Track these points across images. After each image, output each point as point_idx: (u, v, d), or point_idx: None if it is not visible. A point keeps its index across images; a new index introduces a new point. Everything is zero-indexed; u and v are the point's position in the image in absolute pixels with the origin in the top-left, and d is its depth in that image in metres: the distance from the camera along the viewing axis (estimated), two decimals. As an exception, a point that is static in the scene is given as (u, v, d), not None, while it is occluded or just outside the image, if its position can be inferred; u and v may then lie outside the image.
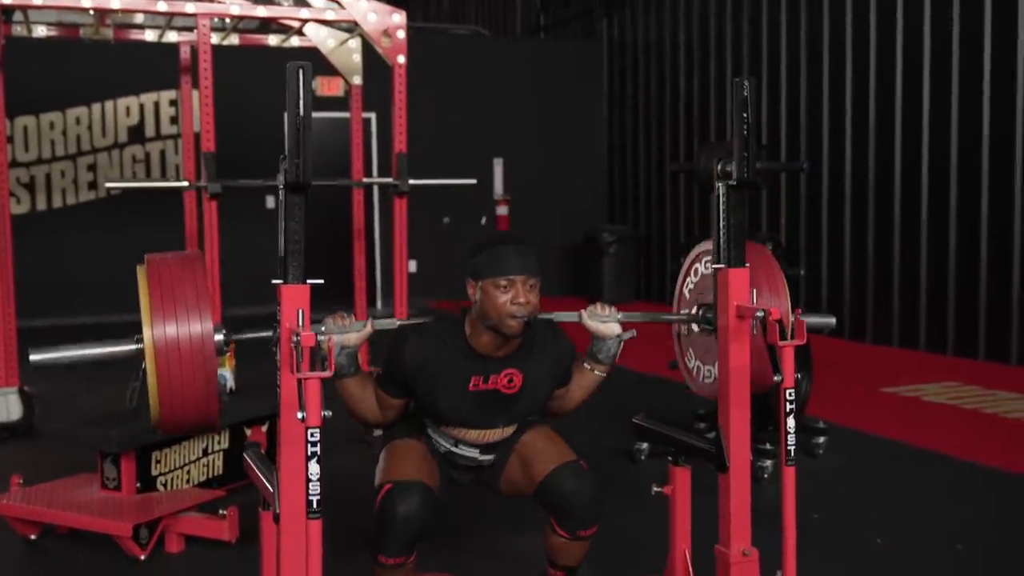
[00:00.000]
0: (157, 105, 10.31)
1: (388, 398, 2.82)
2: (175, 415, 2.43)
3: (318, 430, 2.25)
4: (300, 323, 2.36)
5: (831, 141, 8.75)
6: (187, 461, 4.16)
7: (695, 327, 3.03)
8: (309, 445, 2.25)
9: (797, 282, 8.97)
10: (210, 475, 4.27)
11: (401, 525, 2.67)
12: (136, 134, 10.27)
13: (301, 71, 2.36)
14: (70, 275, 9.89)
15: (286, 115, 2.39)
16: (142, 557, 3.63)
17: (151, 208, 9.04)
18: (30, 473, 4.27)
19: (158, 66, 8.95)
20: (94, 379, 7.00)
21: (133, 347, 2.42)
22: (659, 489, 3.13)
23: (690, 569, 3.06)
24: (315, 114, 9.10)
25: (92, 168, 10.16)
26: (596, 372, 2.95)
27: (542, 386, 2.85)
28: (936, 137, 7.78)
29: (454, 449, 2.90)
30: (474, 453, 2.91)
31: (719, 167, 2.81)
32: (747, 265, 2.84)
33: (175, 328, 2.36)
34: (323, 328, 2.63)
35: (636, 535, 3.78)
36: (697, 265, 3.07)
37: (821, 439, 4.93)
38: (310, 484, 2.26)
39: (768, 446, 4.64)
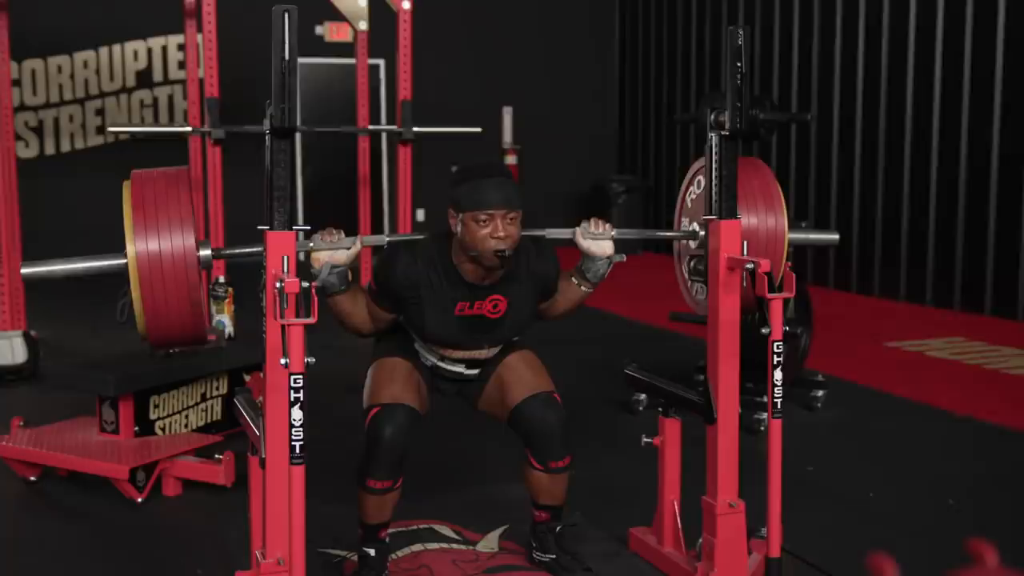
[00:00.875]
0: (165, 49, 10.26)
1: (380, 311, 2.84)
2: (161, 328, 2.45)
3: (301, 376, 2.26)
4: (285, 269, 2.36)
5: (842, 91, 8.66)
6: (185, 406, 4.19)
7: (691, 243, 3.01)
8: (292, 391, 2.26)
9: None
10: (208, 420, 4.30)
11: (387, 446, 2.76)
12: (144, 78, 10.23)
13: (286, 14, 2.34)
14: (77, 220, 9.89)
15: (272, 59, 2.37)
16: (139, 500, 3.67)
17: (159, 153, 8.92)
18: (32, 416, 4.30)
19: (166, 9, 8.89)
20: (101, 323, 7.08)
21: (119, 262, 2.42)
22: (648, 440, 3.15)
23: (678, 520, 3.09)
24: (323, 60, 9.16)
25: (100, 112, 10.14)
26: (583, 288, 2.95)
27: (526, 308, 2.87)
28: (948, 90, 7.69)
29: (440, 363, 2.95)
30: (460, 368, 2.96)
31: (712, 117, 2.79)
32: (739, 217, 2.82)
33: (157, 242, 2.38)
34: (311, 244, 2.64)
35: (628, 485, 3.80)
36: (699, 178, 3.02)
37: (820, 392, 4.93)
38: (293, 430, 2.27)
39: (766, 399, 4.64)
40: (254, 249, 2.48)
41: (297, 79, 2.36)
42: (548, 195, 11.51)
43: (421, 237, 2.84)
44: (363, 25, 7.17)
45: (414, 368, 2.94)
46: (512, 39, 11.46)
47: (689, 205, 3.07)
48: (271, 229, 2.42)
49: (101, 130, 10.14)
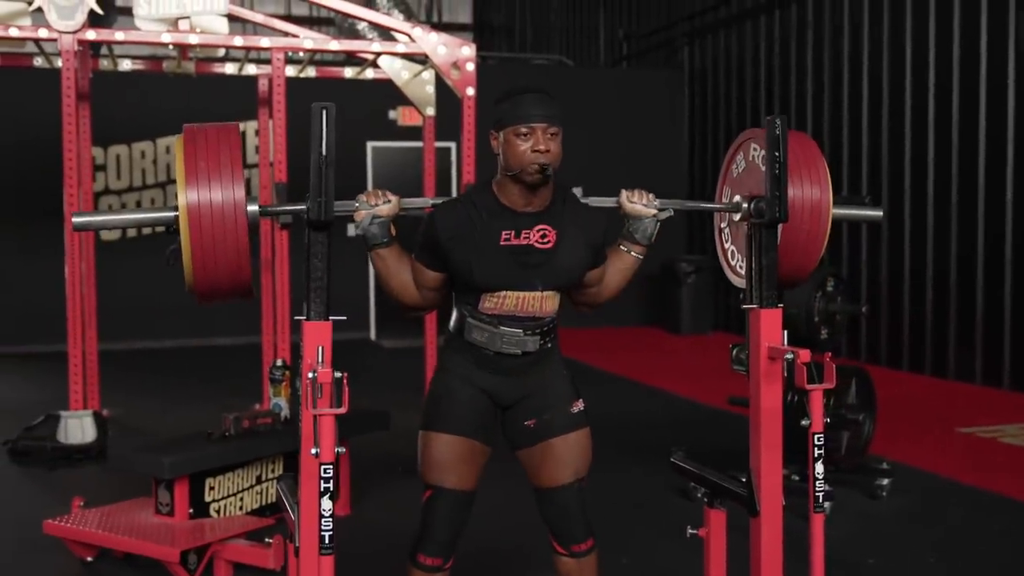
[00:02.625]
0: (244, 135, 10.57)
1: (424, 270, 2.76)
2: (207, 278, 2.44)
3: (331, 466, 2.28)
4: (320, 360, 2.39)
5: (912, 168, 8.55)
6: (240, 488, 4.23)
7: (735, 216, 2.95)
8: (322, 481, 2.28)
9: (858, 319, 8.76)
10: (263, 503, 4.34)
11: (440, 527, 2.75)
12: (223, 163, 10.52)
13: (325, 112, 2.41)
14: (157, 300, 10.15)
15: (311, 153, 2.43)
16: (191, 582, 3.70)
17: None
18: (96, 496, 4.40)
19: (245, 96, 9.19)
20: (169, 401, 7.23)
21: (171, 214, 2.44)
22: (694, 531, 3.09)
23: (724, 614, 3.01)
24: (397, 144, 9.34)
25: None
26: (633, 253, 2.89)
27: (576, 248, 2.76)
28: (1020, 167, 7.55)
29: (496, 331, 2.77)
30: (518, 332, 2.77)
31: (751, 206, 2.78)
32: (780, 306, 2.79)
33: (208, 193, 2.39)
34: (356, 204, 2.66)
35: (680, 574, 3.72)
36: (742, 153, 2.99)
37: (885, 480, 4.80)
38: (322, 520, 2.29)
39: (827, 487, 4.54)
40: (299, 207, 2.51)
41: (333, 173, 2.42)
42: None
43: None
44: (430, 111, 7.32)
45: (464, 437, 2.80)
46: (583, 120, 11.58)
47: (734, 176, 3.04)
48: (308, 319, 2.46)
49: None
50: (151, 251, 10.51)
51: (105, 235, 10.12)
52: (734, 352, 2.95)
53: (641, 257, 2.91)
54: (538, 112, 2.67)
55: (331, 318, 2.47)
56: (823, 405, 2.69)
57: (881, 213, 3.16)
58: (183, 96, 10.12)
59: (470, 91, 6.54)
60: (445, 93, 7.20)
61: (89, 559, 3.94)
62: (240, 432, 4.24)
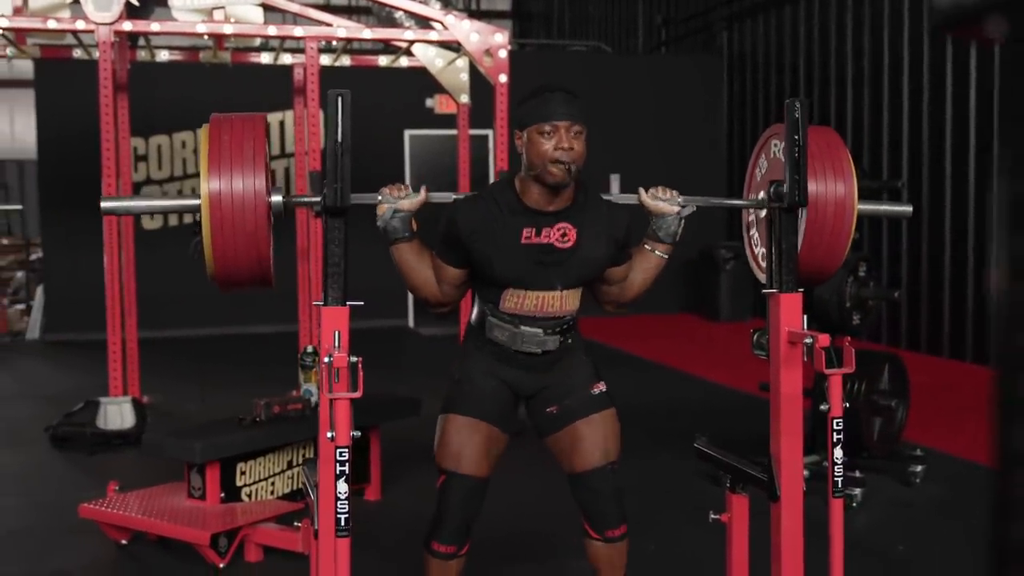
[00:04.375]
0: (282, 124, 10.65)
1: (445, 266, 2.77)
2: (227, 267, 2.48)
3: (347, 449, 2.31)
4: (336, 344, 2.42)
5: (953, 152, 8.43)
6: (271, 473, 4.28)
7: (762, 212, 2.93)
8: (338, 464, 2.31)
9: (897, 305, 8.68)
10: (294, 487, 4.39)
11: (454, 514, 2.76)
12: (262, 152, 10.62)
13: (340, 98, 2.43)
14: (196, 288, 10.26)
15: (326, 140, 2.45)
16: (221, 565, 3.76)
17: (274, 225, 9.35)
18: (132, 480, 4.47)
19: (283, 86, 9.26)
20: (208, 386, 7.33)
21: (195, 201, 2.48)
22: (716, 516, 3.08)
23: (746, 599, 3.01)
24: (434, 132, 9.39)
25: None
26: (657, 252, 2.87)
27: (598, 247, 2.76)
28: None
29: (516, 331, 2.79)
30: (538, 332, 2.79)
31: (771, 190, 2.76)
32: (800, 291, 2.77)
33: (229, 182, 2.43)
34: (379, 197, 2.67)
35: (705, 559, 3.72)
36: (765, 151, 2.97)
37: (919, 468, 4.75)
38: (338, 503, 2.31)
39: (858, 473, 4.51)
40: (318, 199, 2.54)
41: (349, 159, 2.44)
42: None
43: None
44: (465, 98, 7.33)
45: (483, 422, 2.83)
46: (620, 107, 11.54)
47: (758, 181, 3.02)
48: (325, 304, 2.48)
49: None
50: (191, 239, 10.66)
51: (147, 223, 10.27)
52: (755, 337, 2.94)
53: (666, 256, 2.90)
54: (562, 110, 2.66)
55: (348, 303, 2.49)
56: (847, 391, 2.68)
57: (910, 208, 3.11)
58: (221, 86, 10.21)
59: (503, 78, 6.55)
60: (481, 81, 7.21)
61: (123, 542, 4.02)
62: (271, 418, 4.29)
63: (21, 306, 11.02)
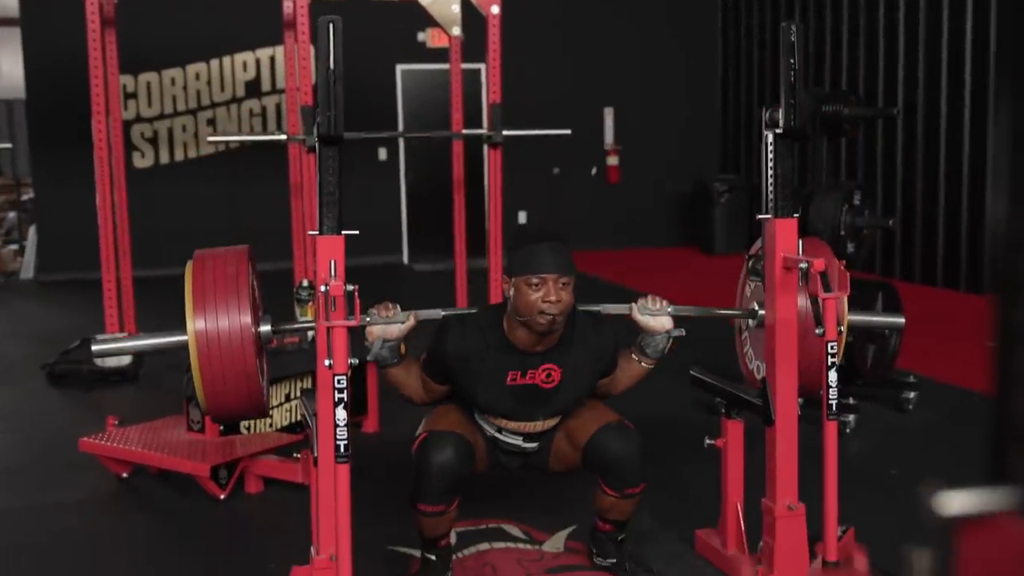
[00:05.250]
0: (273, 60, 10.53)
1: (432, 383, 2.88)
2: (219, 403, 2.55)
3: (344, 377, 2.32)
4: (332, 273, 2.42)
5: (949, 82, 8.38)
6: (270, 406, 4.30)
7: (751, 322, 2.97)
8: (336, 391, 2.33)
9: (892, 235, 8.69)
10: (293, 420, 4.42)
11: (436, 473, 2.74)
12: (252, 88, 10.52)
13: (331, 25, 2.40)
14: (191, 225, 10.25)
15: (318, 69, 2.43)
16: (221, 496, 3.79)
17: (265, 159, 9.31)
18: (131, 415, 4.50)
19: (272, 21, 9.15)
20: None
21: (181, 339, 2.53)
22: (711, 442, 3.12)
23: (741, 523, 3.05)
24: (427, 66, 9.26)
25: (212, 122, 10.47)
26: (643, 364, 2.95)
27: (582, 380, 2.84)
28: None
29: (498, 435, 2.93)
30: (518, 441, 2.92)
31: (767, 115, 2.75)
32: (795, 215, 2.78)
33: (215, 322, 2.49)
34: (367, 319, 2.70)
35: (703, 486, 3.75)
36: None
37: (911, 394, 4.80)
38: (337, 429, 2.33)
39: (852, 400, 4.55)
40: (309, 324, 2.71)
41: (342, 87, 2.42)
42: (651, 195, 11.45)
43: (475, 311, 2.88)
44: (456, 31, 7.24)
45: (473, 423, 2.92)
46: (612, 39, 11.42)
47: (748, 295, 3.06)
48: (321, 234, 2.48)
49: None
50: (184, 177, 10.63)
51: (138, 163, 10.21)
52: (750, 263, 2.96)
53: (651, 367, 2.96)
54: (549, 262, 2.68)
55: (344, 232, 2.50)
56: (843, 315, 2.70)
57: (903, 320, 3.13)
58: (211, 21, 10.10)
59: (495, 9, 6.48)
60: (472, 13, 7.13)
61: (124, 475, 4.05)
62: (269, 351, 4.30)
63: (14, 246, 10.99)
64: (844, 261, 2.78)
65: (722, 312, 3.19)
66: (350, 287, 2.34)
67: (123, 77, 9.11)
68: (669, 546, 3.31)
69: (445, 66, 10.03)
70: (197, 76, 10.40)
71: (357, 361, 2.37)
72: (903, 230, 8.77)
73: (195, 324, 2.47)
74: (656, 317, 2.84)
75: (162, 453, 3.86)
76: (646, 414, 4.78)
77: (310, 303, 4.55)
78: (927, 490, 0.86)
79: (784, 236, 2.75)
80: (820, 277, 2.57)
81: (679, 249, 11.28)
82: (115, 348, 2.69)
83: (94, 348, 2.67)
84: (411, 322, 2.73)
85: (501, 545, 3.32)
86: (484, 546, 3.30)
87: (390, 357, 2.79)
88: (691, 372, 3.29)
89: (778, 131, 2.72)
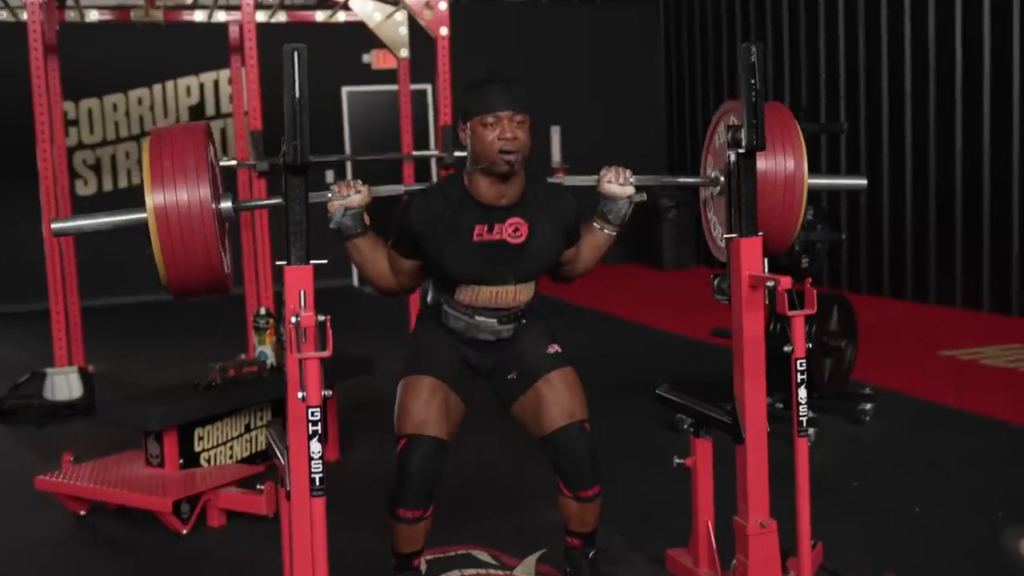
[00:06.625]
0: (216, 84, 10.45)
1: (400, 258, 2.81)
2: (180, 276, 2.51)
3: (318, 409, 2.29)
4: (302, 304, 2.39)
5: (890, 93, 8.54)
6: (230, 437, 4.25)
7: (715, 190, 2.98)
8: (310, 424, 2.30)
9: (841, 248, 8.84)
10: (253, 451, 4.36)
11: (416, 478, 2.76)
12: (197, 113, 10.43)
13: (296, 53, 2.38)
14: (137, 253, 10.08)
15: (284, 97, 2.41)
16: (184, 532, 3.73)
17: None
18: (85, 450, 4.41)
19: (215, 45, 9.07)
20: (155, 354, 7.23)
21: (140, 215, 2.48)
22: (680, 461, 3.13)
23: (712, 541, 3.06)
24: (372, 88, 9.24)
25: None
26: (606, 231, 2.94)
27: (549, 239, 2.80)
28: (998, 93, 7.55)
29: (471, 321, 2.84)
30: (492, 322, 2.85)
31: (729, 134, 2.78)
32: (760, 234, 2.80)
33: (174, 194, 2.44)
34: (328, 195, 2.69)
35: (669, 505, 3.76)
36: (722, 124, 2.99)
37: (868, 405, 4.86)
38: (312, 463, 2.30)
39: (811, 413, 4.58)
40: (276, 201, 2.55)
41: (307, 116, 2.40)
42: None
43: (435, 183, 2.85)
44: (404, 53, 7.24)
45: (443, 384, 2.86)
46: (559, 58, 11.49)
47: (711, 160, 3.05)
48: (289, 264, 2.46)
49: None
50: (128, 204, 10.45)
51: (81, 190, 10.06)
52: (715, 282, 2.97)
53: (614, 235, 2.97)
54: (503, 100, 2.67)
55: (312, 262, 2.47)
56: (805, 332, 2.72)
57: (864, 182, 3.17)
58: (153, 46, 9.97)
59: (444, 31, 6.47)
60: (418, 34, 7.12)
61: (82, 513, 3.96)
62: (227, 381, 4.25)
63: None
64: (809, 279, 2.80)
65: (686, 180, 3.26)
66: (321, 317, 2.31)
67: (64, 103, 8.97)
68: (640, 567, 3.31)
69: (390, 87, 10.05)
70: (139, 101, 10.28)
71: (331, 393, 2.33)
72: (850, 242, 8.91)
73: (154, 198, 2.42)
74: (622, 186, 2.86)
75: (122, 489, 3.78)
76: (608, 436, 4.80)
77: (268, 331, 4.50)
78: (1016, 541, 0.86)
79: (750, 255, 2.77)
80: (787, 295, 2.59)
81: (628, 265, 11.34)
82: (77, 226, 2.61)
83: (54, 227, 2.58)
84: (367, 192, 2.71)
85: (472, 572, 3.29)
86: (455, 573, 3.27)
87: (353, 225, 2.74)
88: (657, 392, 3.29)
89: (741, 151, 2.74)
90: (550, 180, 2.88)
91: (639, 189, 2.90)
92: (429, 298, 2.93)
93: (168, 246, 2.45)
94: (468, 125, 2.69)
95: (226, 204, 2.56)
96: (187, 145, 2.49)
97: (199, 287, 2.57)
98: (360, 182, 2.73)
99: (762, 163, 2.79)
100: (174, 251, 2.45)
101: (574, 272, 3.01)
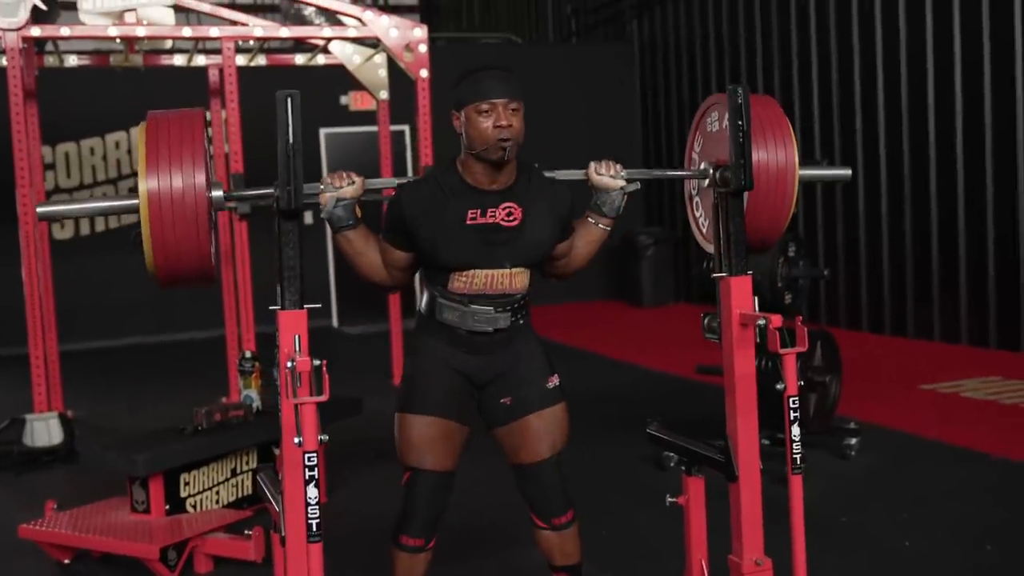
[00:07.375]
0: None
1: (392, 249, 2.77)
2: (168, 264, 2.46)
3: (315, 454, 2.28)
4: (297, 349, 2.39)
5: (864, 136, 8.65)
6: (216, 482, 4.21)
7: (704, 183, 2.98)
8: (307, 469, 2.28)
9: (820, 283, 8.88)
10: (239, 495, 4.32)
11: (423, 507, 2.78)
12: (175, 156, 10.39)
13: (289, 99, 2.39)
14: (115, 297, 10.04)
15: (277, 142, 2.41)
16: (171, 579, 3.69)
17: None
18: (67, 497, 4.36)
19: (194, 88, 9.09)
20: (136, 400, 7.17)
21: (131, 202, 2.44)
22: (673, 500, 3.12)
23: (707, 579, 3.05)
24: (350, 129, 9.31)
25: (134, 191, 10.27)
26: (600, 226, 2.93)
27: (543, 224, 2.79)
28: (970, 131, 7.66)
29: (467, 310, 2.79)
30: (488, 309, 2.79)
31: (717, 175, 2.80)
32: (750, 273, 2.82)
33: (168, 179, 2.39)
34: (320, 186, 2.66)
35: (660, 543, 3.77)
36: (707, 119, 3.01)
37: (853, 440, 4.88)
38: (309, 508, 2.29)
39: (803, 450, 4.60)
40: (267, 191, 2.52)
41: (301, 160, 2.41)
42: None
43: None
44: (384, 95, 7.30)
45: (439, 418, 2.82)
46: (535, 97, 11.52)
47: (696, 154, 3.07)
48: (283, 309, 2.45)
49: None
50: (107, 248, 10.41)
51: (58, 234, 10.00)
52: (706, 321, 2.98)
53: (608, 229, 2.96)
54: (498, 88, 2.69)
55: (306, 307, 2.47)
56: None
57: (849, 172, 3.19)
58: (132, 91, 9.96)
59: (424, 73, 6.53)
60: (395, 76, 7.17)
61: (66, 561, 3.91)
62: (212, 426, 4.22)
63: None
64: (800, 316, 2.83)
65: (674, 173, 3.19)
66: (317, 362, 2.30)
67: (41, 148, 8.93)
68: (634, 606, 3.29)
69: (368, 128, 10.07)
70: (117, 145, 10.26)
71: (327, 437, 2.32)
72: (830, 277, 8.97)
73: (148, 182, 2.37)
74: (613, 178, 2.86)
75: (107, 536, 3.74)
76: (594, 473, 4.80)
77: (254, 374, 4.48)
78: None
79: (740, 293, 2.79)
80: (778, 333, 2.61)
81: (607, 303, 11.38)
82: (63, 211, 2.56)
83: (40, 211, 2.51)
84: (360, 183, 2.68)
85: (465, 614, 3.27)
86: (448, 616, 3.25)
87: (345, 216, 2.70)
88: (648, 431, 3.29)
89: (729, 190, 2.77)
90: (544, 174, 2.87)
91: (629, 180, 2.91)
92: (423, 302, 2.88)
93: (159, 233, 2.40)
94: (462, 113, 2.70)
95: (217, 193, 2.50)
96: (184, 131, 2.45)
97: (186, 276, 2.52)
98: (354, 173, 2.70)
99: (756, 154, 2.79)
100: (164, 238, 2.40)
101: (569, 267, 2.98)
